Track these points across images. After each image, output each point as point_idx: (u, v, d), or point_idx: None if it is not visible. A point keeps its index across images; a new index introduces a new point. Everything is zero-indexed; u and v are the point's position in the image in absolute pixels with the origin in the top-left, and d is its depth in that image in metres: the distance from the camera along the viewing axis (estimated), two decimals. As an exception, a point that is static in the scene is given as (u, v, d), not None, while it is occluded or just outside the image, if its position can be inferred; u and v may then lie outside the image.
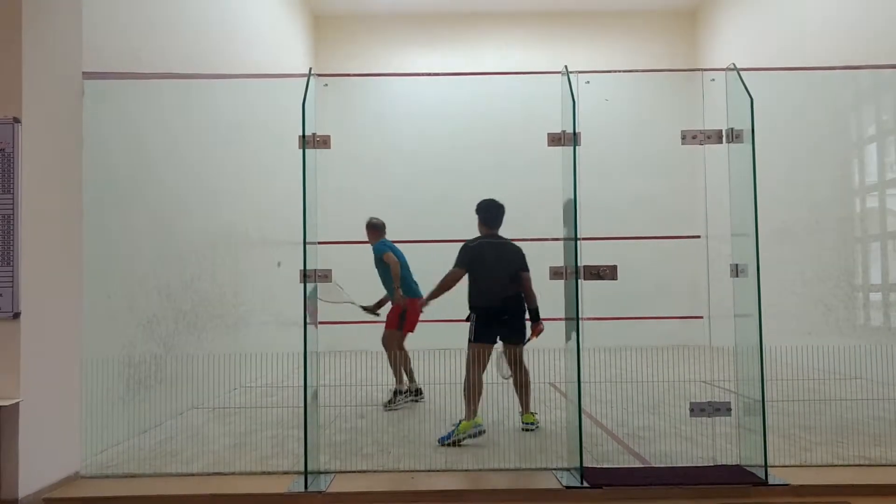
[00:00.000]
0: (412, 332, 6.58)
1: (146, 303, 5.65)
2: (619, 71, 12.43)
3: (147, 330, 5.64)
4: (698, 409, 4.26)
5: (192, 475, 4.23)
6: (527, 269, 5.36)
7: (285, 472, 4.19)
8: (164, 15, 6.37)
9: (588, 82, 4.46)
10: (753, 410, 4.03)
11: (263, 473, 4.22)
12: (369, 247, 6.71)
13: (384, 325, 6.58)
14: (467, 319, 5.24)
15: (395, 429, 5.40)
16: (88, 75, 4.45)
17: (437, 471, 4.23)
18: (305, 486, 3.88)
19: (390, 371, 6.37)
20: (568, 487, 3.86)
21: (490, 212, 5.40)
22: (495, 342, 5.23)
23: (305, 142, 4.08)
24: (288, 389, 6.86)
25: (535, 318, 5.32)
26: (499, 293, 5.20)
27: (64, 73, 4.25)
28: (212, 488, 3.98)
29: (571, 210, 4.12)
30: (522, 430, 5.23)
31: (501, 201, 5.39)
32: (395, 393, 6.30)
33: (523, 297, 5.31)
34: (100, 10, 5.01)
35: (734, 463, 4.19)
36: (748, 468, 4.04)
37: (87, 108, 4.43)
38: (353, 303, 6.55)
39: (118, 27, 5.37)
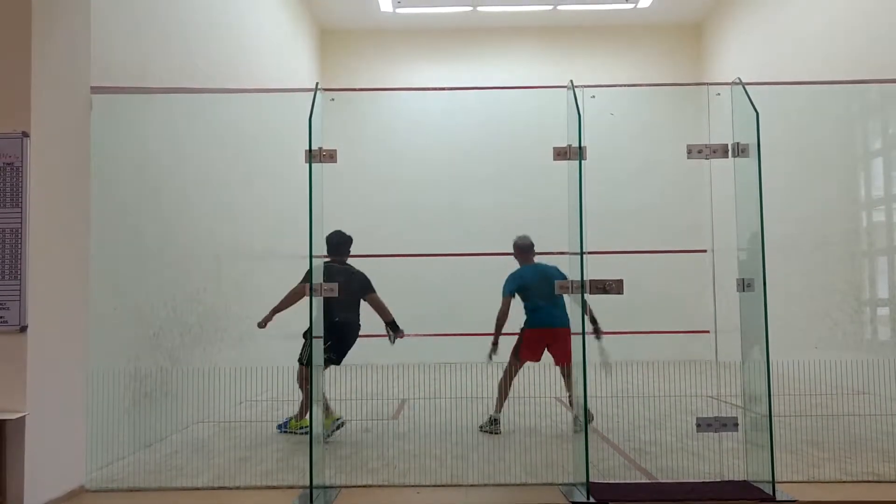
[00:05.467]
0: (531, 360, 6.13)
1: (152, 315, 5.66)
2: (625, 85, 12.44)
3: (153, 343, 5.64)
4: (705, 425, 4.25)
5: (198, 489, 4.23)
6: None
7: (290, 487, 4.18)
8: (172, 30, 6.42)
9: (594, 96, 4.48)
10: (760, 426, 4.01)
11: (268, 488, 4.21)
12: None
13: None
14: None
15: (401, 443, 5.39)
16: (96, 90, 4.49)
17: (443, 486, 4.21)
18: (311, 501, 3.87)
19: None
20: (574, 503, 3.84)
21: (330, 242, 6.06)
22: None
23: (312, 156, 4.11)
24: (294, 403, 6.84)
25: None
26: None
27: (72, 87, 4.29)
28: (217, 502, 3.98)
29: (577, 224, 4.12)
30: None
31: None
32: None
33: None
34: (108, 24, 5.05)
35: (741, 478, 4.16)
36: (755, 484, 4.01)
37: (95, 122, 4.46)
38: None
39: (126, 42, 5.41)
